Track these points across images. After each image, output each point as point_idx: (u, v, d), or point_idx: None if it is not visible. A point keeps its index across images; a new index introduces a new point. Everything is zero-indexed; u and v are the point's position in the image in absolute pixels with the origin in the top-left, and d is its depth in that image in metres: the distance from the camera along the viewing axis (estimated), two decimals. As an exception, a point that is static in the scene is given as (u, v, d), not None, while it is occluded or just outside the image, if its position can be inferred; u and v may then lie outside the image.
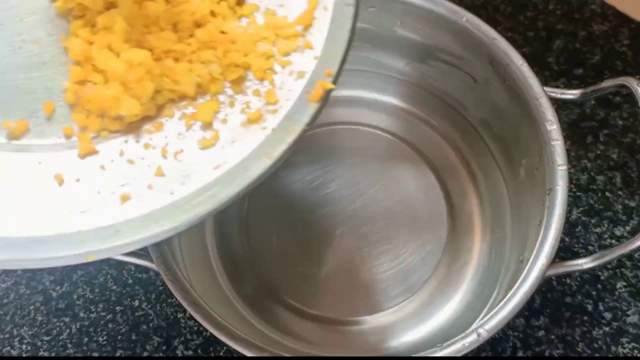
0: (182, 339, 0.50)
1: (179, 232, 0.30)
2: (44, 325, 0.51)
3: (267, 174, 0.31)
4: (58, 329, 0.51)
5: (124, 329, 0.51)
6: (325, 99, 0.33)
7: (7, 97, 0.33)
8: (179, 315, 0.51)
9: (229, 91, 0.34)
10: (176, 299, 0.39)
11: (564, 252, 0.52)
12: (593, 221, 0.54)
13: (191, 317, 0.44)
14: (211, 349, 0.50)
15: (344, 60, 0.34)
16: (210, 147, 0.32)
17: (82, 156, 0.32)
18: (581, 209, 0.54)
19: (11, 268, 0.30)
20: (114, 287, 0.52)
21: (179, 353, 0.50)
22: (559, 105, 0.54)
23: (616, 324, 0.50)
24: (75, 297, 0.52)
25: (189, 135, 0.33)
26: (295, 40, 0.35)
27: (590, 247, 0.53)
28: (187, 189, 0.31)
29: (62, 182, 0.31)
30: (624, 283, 0.51)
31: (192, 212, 0.31)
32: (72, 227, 0.30)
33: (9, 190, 0.31)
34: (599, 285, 0.51)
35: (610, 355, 0.49)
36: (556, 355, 0.49)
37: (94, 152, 0.32)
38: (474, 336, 0.37)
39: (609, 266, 0.52)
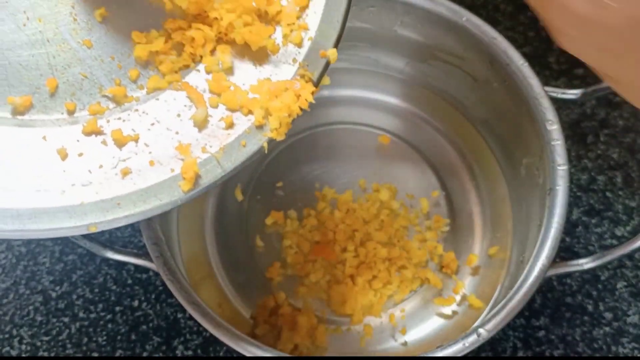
0: (182, 339, 0.50)
1: (177, 205, 0.32)
2: (43, 326, 0.51)
3: (257, 154, 0.34)
4: (57, 329, 0.51)
5: (123, 329, 0.51)
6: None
7: (11, 73, 0.34)
8: (178, 315, 0.51)
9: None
10: (176, 299, 0.39)
11: (564, 252, 0.52)
12: (593, 221, 0.54)
13: (191, 317, 0.44)
14: (211, 349, 0.50)
15: (338, 41, 0.35)
16: (205, 128, 0.34)
17: (86, 133, 0.33)
18: (582, 208, 0.54)
19: (16, 238, 0.32)
20: (114, 287, 0.52)
21: (178, 353, 0.50)
22: (560, 105, 0.54)
23: (616, 324, 0.50)
24: (75, 297, 0.52)
25: (185, 116, 0.34)
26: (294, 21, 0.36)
27: (590, 247, 0.53)
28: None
29: (66, 157, 0.33)
30: (625, 283, 0.51)
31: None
32: (75, 200, 0.32)
33: (13, 164, 0.32)
34: (600, 285, 0.51)
35: (610, 355, 0.49)
36: (556, 355, 0.49)
37: (98, 132, 0.34)
38: (474, 336, 0.37)
39: (609, 266, 0.52)
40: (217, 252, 0.52)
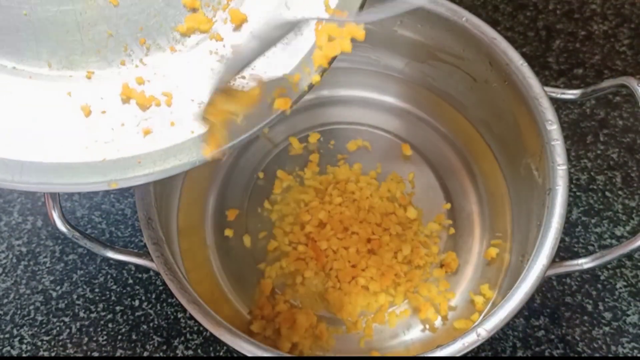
0: (182, 338, 0.50)
1: (196, 166, 0.33)
2: (44, 325, 0.51)
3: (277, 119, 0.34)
4: (58, 328, 0.51)
5: (124, 329, 0.51)
6: None
7: (39, 28, 0.34)
8: (179, 315, 0.51)
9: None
10: (176, 298, 0.39)
11: (564, 252, 0.52)
12: (593, 221, 0.54)
13: (191, 317, 0.44)
14: (211, 348, 0.50)
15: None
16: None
17: (110, 91, 0.34)
18: (581, 208, 0.54)
19: (40, 191, 0.33)
20: (114, 287, 0.52)
21: (179, 353, 0.50)
22: (559, 105, 0.54)
23: (616, 323, 0.50)
24: (75, 297, 0.52)
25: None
26: None
27: (590, 247, 0.53)
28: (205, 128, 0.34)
29: (89, 113, 0.33)
30: (624, 283, 0.51)
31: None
32: (97, 156, 0.32)
33: (39, 118, 0.33)
34: (599, 285, 0.51)
35: (610, 355, 0.49)
36: (556, 355, 0.49)
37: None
38: (473, 336, 0.37)
39: (609, 266, 0.52)
40: (217, 250, 0.52)
